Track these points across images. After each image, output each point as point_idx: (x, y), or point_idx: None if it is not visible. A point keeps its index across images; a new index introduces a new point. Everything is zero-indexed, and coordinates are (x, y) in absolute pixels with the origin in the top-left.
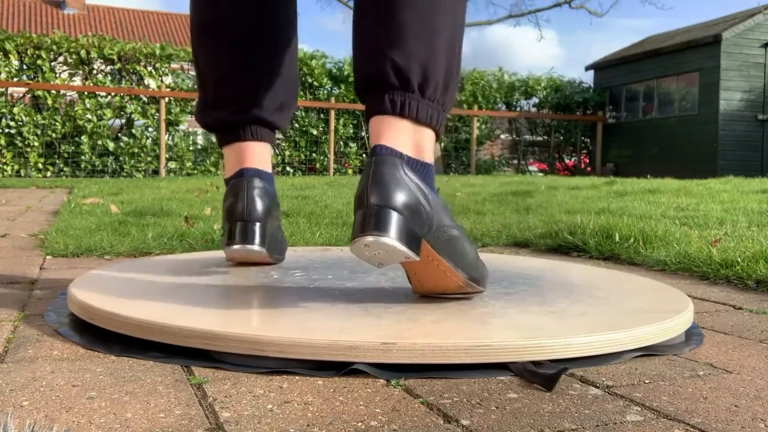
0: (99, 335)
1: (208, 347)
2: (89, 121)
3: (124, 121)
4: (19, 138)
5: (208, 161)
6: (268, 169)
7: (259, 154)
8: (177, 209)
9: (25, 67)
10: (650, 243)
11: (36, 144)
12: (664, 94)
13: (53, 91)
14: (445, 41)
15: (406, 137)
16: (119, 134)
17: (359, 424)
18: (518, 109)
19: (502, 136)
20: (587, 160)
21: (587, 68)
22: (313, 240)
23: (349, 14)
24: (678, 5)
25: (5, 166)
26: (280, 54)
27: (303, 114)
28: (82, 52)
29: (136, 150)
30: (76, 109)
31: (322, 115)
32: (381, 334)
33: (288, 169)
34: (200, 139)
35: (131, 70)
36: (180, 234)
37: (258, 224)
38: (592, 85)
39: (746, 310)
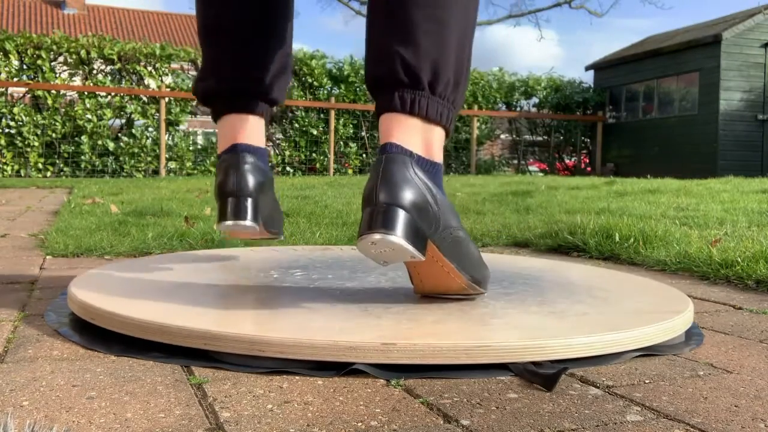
0: (99, 335)
1: (208, 347)
2: (89, 121)
3: (124, 121)
4: (19, 138)
5: (208, 161)
6: (262, 144)
7: (251, 129)
8: (177, 209)
9: (25, 67)
10: (650, 243)
11: (36, 144)
12: (664, 94)
13: (53, 91)
14: (455, 39)
15: (416, 135)
16: (119, 134)
17: (359, 424)
18: (518, 109)
19: (502, 136)
20: (587, 160)
21: (587, 68)
22: (313, 240)
23: (351, 15)
24: (678, 5)
25: (5, 166)
26: (279, 24)
27: (303, 114)
28: (82, 52)
29: (136, 150)
30: (76, 109)
31: (322, 115)
32: (381, 335)
33: (288, 169)
34: (200, 139)
35: (131, 70)
36: (180, 234)
37: (249, 199)
38: (592, 85)
39: (746, 310)
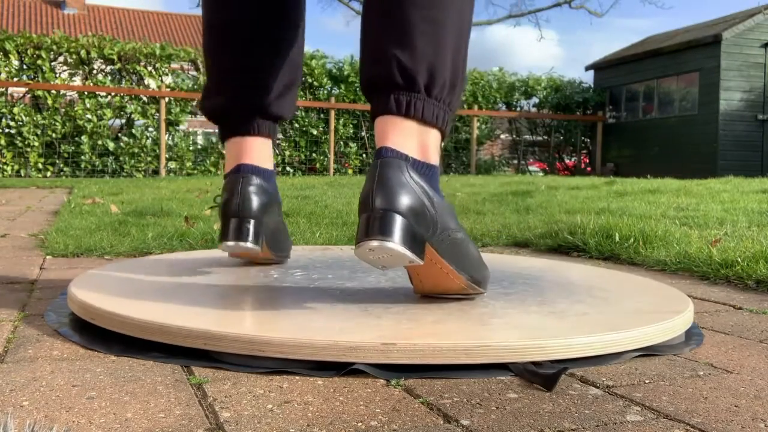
0: (99, 335)
1: (208, 347)
2: (89, 121)
3: (124, 121)
4: (19, 138)
5: (208, 161)
6: (268, 165)
7: (258, 150)
8: (177, 209)
9: (25, 67)
10: (650, 243)
11: (36, 144)
12: (664, 94)
13: (53, 91)
14: (451, 41)
15: (412, 138)
16: (119, 134)
17: (359, 424)
18: (518, 109)
19: (502, 136)
20: (587, 160)
21: (587, 68)
22: (313, 240)
23: (352, 15)
24: (678, 5)
25: (5, 166)
26: (289, 39)
27: (303, 114)
28: (82, 52)
29: (136, 150)
30: (76, 109)
31: (322, 115)
32: (381, 335)
33: (288, 169)
34: (200, 139)
35: (131, 70)
36: (180, 234)
37: (252, 221)
38: (592, 85)
39: (746, 310)
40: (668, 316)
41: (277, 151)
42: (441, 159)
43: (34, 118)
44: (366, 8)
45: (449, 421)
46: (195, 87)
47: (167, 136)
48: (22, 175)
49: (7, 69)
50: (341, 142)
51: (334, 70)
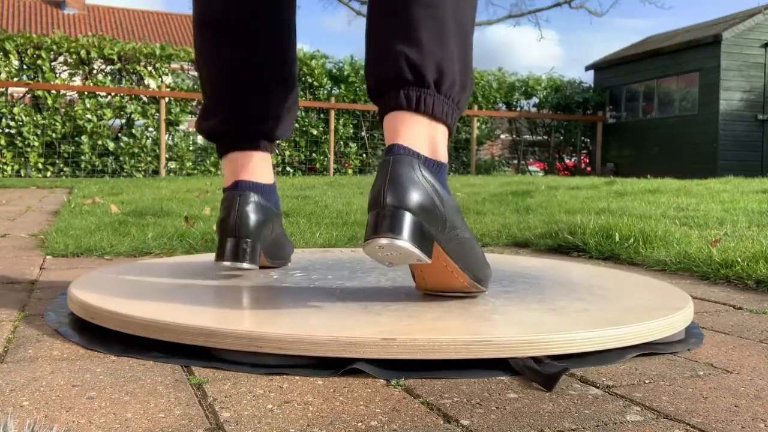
0: (99, 335)
1: (209, 344)
2: (89, 121)
3: (124, 121)
4: (19, 138)
5: (208, 161)
6: (267, 180)
7: (256, 165)
8: (177, 209)
9: (25, 67)
10: (650, 243)
11: (36, 144)
12: (664, 94)
13: (53, 91)
14: (458, 39)
15: (423, 135)
16: (119, 134)
17: (359, 424)
18: (518, 109)
19: (502, 136)
20: (587, 160)
21: (587, 68)
22: (313, 240)
23: (352, 15)
24: (678, 5)
25: (5, 166)
26: (279, 54)
27: (303, 114)
28: (82, 52)
29: (136, 150)
30: (76, 109)
31: (322, 115)
32: (381, 330)
33: (288, 169)
34: (200, 139)
35: (131, 70)
36: (180, 234)
37: (248, 240)
38: (592, 85)
39: (746, 310)
40: (668, 313)
41: (277, 151)
42: None
43: (34, 118)
44: (371, 9)
45: (449, 421)
46: (195, 87)
47: (167, 136)
48: (22, 175)
49: (7, 69)
50: (341, 142)
51: (334, 70)
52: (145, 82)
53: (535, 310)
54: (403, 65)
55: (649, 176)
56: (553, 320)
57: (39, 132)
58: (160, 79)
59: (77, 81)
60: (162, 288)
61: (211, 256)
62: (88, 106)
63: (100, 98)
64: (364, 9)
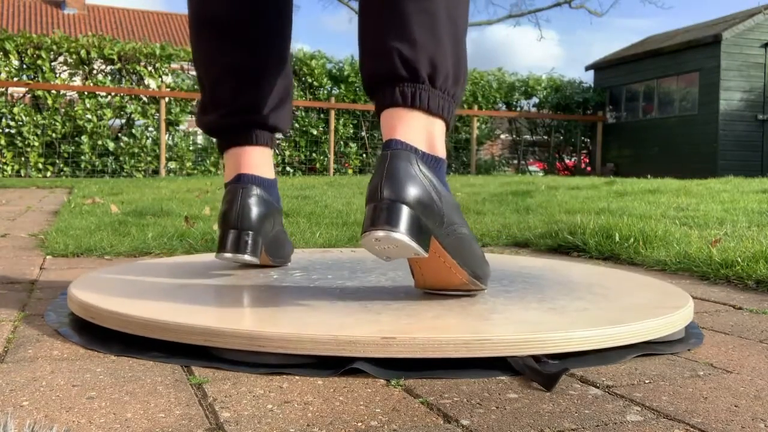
0: (99, 335)
1: (209, 344)
2: (89, 121)
3: (124, 121)
4: (19, 138)
5: (208, 161)
6: (269, 174)
7: (257, 160)
8: (177, 209)
9: (25, 67)
10: (650, 243)
11: (36, 144)
12: (664, 94)
13: (53, 91)
14: (449, 32)
15: (420, 130)
16: (119, 134)
17: (359, 424)
18: (518, 109)
19: (502, 136)
20: (587, 160)
21: (587, 68)
22: (313, 240)
23: (353, 15)
24: (678, 5)
25: (5, 166)
26: (276, 49)
27: (303, 114)
28: (82, 52)
29: (136, 150)
30: (76, 109)
31: (322, 115)
32: (381, 329)
33: (288, 169)
34: (200, 139)
35: (131, 70)
36: (180, 234)
37: (250, 233)
38: (592, 85)
39: (746, 310)
40: (668, 311)
41: (277, 151)
42: None
43: (34, 118)
44: (362, 6)
45: (449, 421)
46: (195, 87)
47: (167, 136)
48: (22, 175)
49: (7, 69)
50: (341, 142)
51: (334, 70)
52: (145, 82)
53: (535, 309)
54: (397, 61)
55: (649, 176)
56: (553, 319)
57: (39, 132)
58: (160, 79)
59: (77, 81)
60: (162, 288)
61: (211, 256)
62: (88, 106)
63: (100, 98)
64: None
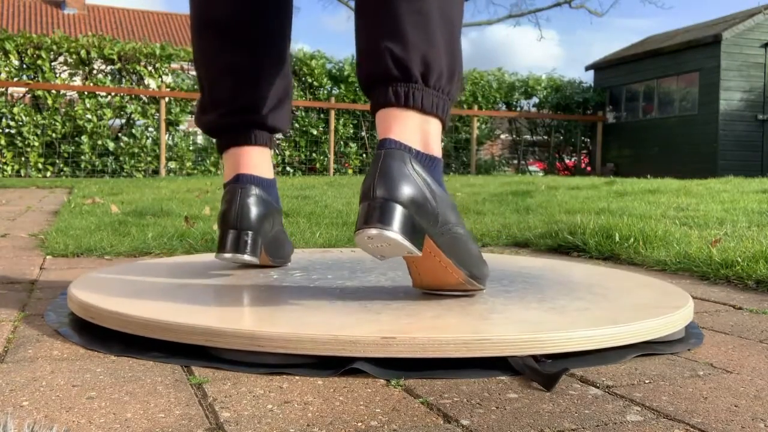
0: (99, 335)
1: (210, 344)
2: (89, 121)
3: (124, 121)
4: (19, 138)
5: (208, 161)
6: (268, 174)
7: (256, 160)
8: (177, 209)
9: (25, 67)
10: (650, 243)
11: (36, 144)
12: (664, 94)
13: (53, 91)
14: (442, 30)
15: (414, 129)
16: (119, 134)
17: (359, 424)
18: (518, 109)
19: (502, 136)
20: (587, 160)
21: (587, 68)
22: (313, 240)
23: (352, 14)
24: (678, 5)
25: (5, 166)
26: (276, 49)
27: (303, 114)
28: (82, 52)
29: (136, 150)
30: (76, 109)
31: (322, 115)
32: (381, 329)
33: (288, 169)
34: (200, 139)
35: (131, 70)
36: (180, 234)
37: (250, 233)
38: (592, 85)
39: (746, 310)
40: (668, 311)
41: (277, 151)
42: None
43: (34, 118)
44: (357, 5)
45: (449, 421)
46: (195, 87)
47: (167, 136)
48: (22, 175)
49: (7, 69)
50: (341, 142)
51: (334, 70)
52: (145, 82)
53: (535, 309)
54: (389, 61)
55: (649, 176)
56: (553, 319)
57: (39, 132)
58: (160, 79)
59: (77, 81)
60: (162, 288)
61: (211, 256)
62: (88, 106)
63: (100, 98)
64: None
